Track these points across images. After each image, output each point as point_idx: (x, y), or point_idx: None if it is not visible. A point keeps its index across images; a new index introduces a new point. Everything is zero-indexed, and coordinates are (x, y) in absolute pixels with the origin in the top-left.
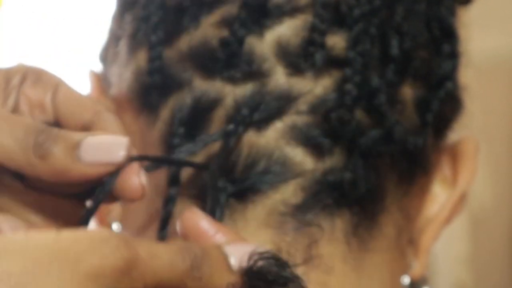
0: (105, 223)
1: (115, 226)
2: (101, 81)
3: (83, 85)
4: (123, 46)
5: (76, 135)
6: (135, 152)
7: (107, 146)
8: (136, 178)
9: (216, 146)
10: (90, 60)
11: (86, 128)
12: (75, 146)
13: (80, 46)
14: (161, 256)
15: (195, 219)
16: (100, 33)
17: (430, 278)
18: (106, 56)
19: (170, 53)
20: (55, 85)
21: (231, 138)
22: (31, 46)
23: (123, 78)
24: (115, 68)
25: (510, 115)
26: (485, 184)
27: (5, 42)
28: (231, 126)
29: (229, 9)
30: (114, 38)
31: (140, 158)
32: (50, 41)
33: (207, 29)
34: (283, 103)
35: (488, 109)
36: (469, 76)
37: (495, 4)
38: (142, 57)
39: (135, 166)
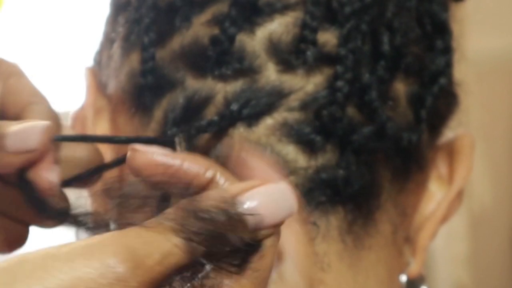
0: None
1: None
2: (97, 80)
3: (82, 84)
4: (116, 48)
5: (3, 126)
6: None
7: (25, 133)
8: (45, 174)
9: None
10: (89, 60)
11: (17, 118)
12: (1, 137)
13: (80, 46)
14: None
15: (147, 155)
16: (99, 34)
17: (429, 277)
18: (101, 58)
19: (163, 54)
20: (8, 75)
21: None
22: (32, 46)
23: (117, 80)
24: (109, 71)
25: (510, 115)
26: (485, 183)
27: (6, 42)
28: (215, 118)
29: (220, 8)
30: (108, 41)
31: (62, 139)
32: (50, 41)
33: (199, 28)
34: (273, 99)
35: (488, 109)
36: (469, 76)
37: (495, 4)
38: (135, 58)
39: (49, 158)
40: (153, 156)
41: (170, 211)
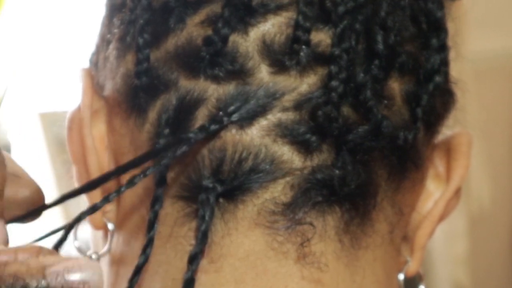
0: (101, 224)
1: (111, 227)
2: (93, 81)
3: (79, 85)
4: (112, 49)
5: None
6: None
7: None
8: None
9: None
10: (86, 61)
11: None
12: None
13: (76, 47)
14: None
15: None
16: (95, 34)
17: (428, 277)
18: (97, 60)
19: (157, 55)
20: None
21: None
22: (31, 46)
23: (113, 81)
24: (106, 72)
25: (510, 115)
26: (484, 183)
27: (6, 42)
28: (206, 124)
29: (214, 9)
30: (104, 42)
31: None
32: (48, 41)
33: (192, 29)
34: (267, 100)
35: (488, 109)
36: (468, 75)
37: (495, 4)
38: (130, 60)
39: None
40: None
41: None
